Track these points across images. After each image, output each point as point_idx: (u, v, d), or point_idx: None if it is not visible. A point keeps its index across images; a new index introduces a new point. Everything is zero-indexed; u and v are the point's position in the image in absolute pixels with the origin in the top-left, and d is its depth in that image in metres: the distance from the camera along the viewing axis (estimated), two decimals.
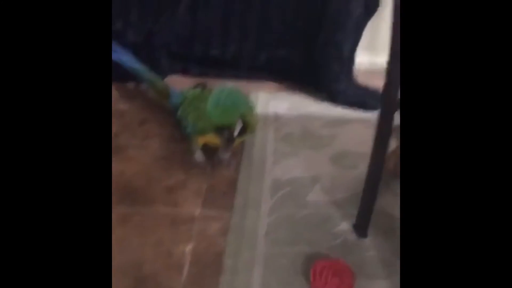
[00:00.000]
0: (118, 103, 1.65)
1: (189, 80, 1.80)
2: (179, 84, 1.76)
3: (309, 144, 1.46)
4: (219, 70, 1.83)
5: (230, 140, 1.26)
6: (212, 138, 1.30)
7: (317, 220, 1.19)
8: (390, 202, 1.25)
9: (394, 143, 1.34)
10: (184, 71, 1.83)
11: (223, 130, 1.25)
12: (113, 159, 1.28)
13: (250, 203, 1.23)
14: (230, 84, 1.43)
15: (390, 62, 0.92)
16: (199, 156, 1.34)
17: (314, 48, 1.70)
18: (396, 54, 0.89)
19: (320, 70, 1.70)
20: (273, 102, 1.70)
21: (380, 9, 1.69)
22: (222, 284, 1.02)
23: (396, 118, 1.21)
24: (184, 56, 1.81)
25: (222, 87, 1.32)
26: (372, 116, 1.60)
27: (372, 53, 1.93)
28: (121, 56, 1.57)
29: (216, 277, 1.03)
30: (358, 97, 1.68)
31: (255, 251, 1.10)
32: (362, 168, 1.33)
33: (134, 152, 1.42)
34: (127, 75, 1.62)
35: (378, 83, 1.81)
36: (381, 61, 1.90)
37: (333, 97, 1.69)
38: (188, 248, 1.11)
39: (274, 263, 1.07)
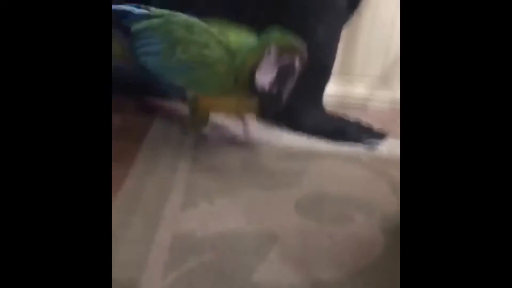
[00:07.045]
0: None
1: None
2: None
3: (257, 181, 0.78)
4: None
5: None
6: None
7: None
8: None
9: None
10: None
11: None
12: None
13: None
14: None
15: None
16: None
17: None
18: None
19: None
20: None
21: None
22: None
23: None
24: None
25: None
26: (352, 150, 0.98)
27: (346, 82, 1.38)
28: None
29: None
30: (333, 126, 1.05)
31: None
32: (359, 223, 0.67)
33: None
34: None
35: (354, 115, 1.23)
36: (357, 92, 1.36)
37: (296, 123, 1.05)
38: None
39: None
